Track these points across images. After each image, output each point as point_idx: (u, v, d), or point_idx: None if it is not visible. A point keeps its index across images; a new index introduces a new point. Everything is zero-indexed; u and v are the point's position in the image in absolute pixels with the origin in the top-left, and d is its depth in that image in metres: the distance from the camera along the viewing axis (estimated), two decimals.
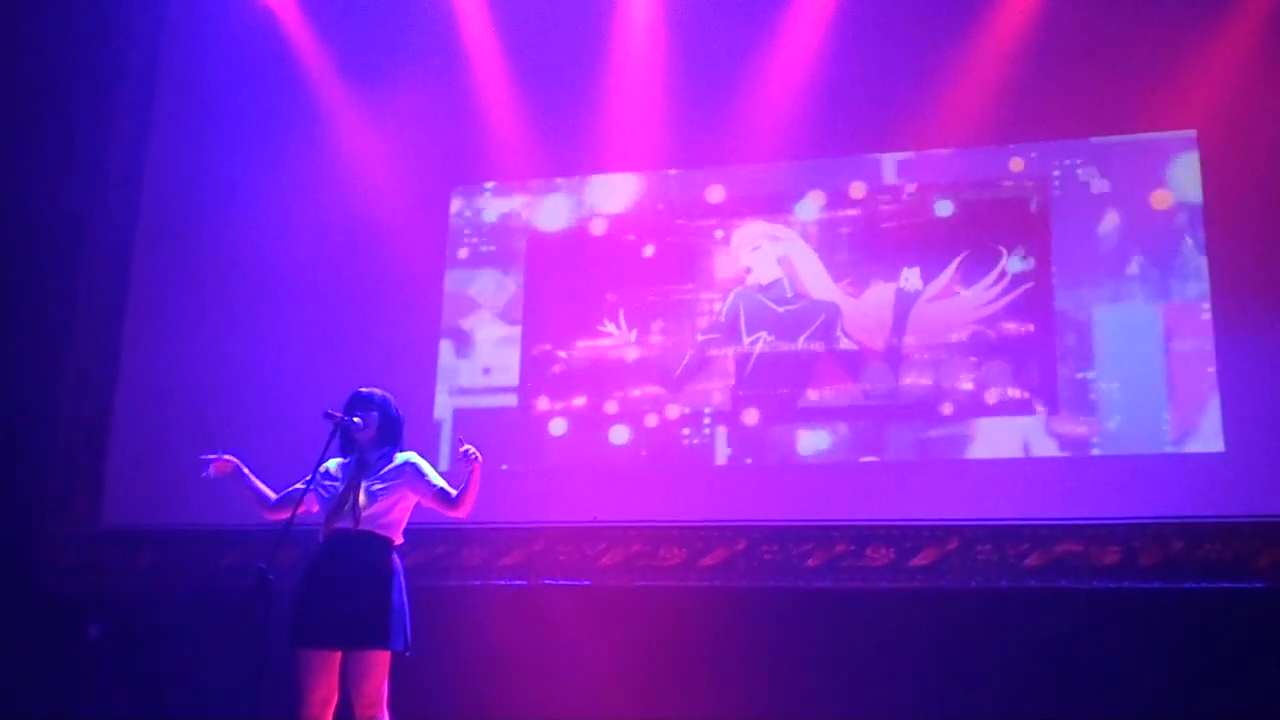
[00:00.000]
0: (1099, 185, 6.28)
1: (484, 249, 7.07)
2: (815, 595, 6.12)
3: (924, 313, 6.36)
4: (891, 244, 6.48)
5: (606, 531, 6.44)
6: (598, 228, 6.95)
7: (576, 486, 6.53)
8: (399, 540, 4.58)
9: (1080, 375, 6.10)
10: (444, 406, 6.86)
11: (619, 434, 6.62)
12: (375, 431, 4.62)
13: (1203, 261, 6.05)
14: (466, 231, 7.13)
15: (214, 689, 6.14)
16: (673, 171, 6.90)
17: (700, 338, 6.66)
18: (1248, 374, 5.87)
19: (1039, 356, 6.17)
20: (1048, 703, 5.74)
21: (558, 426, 6.72)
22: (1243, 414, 5.83)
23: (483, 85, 7.16)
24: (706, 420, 6.54)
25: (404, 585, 4.53)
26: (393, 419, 4.68)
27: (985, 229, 6.36)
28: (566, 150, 7.03)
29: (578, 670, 6.11)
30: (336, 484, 4.58)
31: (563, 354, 6.81)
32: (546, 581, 6.42)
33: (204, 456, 4.62)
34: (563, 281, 6.90)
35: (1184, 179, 6.16)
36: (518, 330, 6.90)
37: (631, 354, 6.72)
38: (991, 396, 6.18)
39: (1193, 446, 5.89)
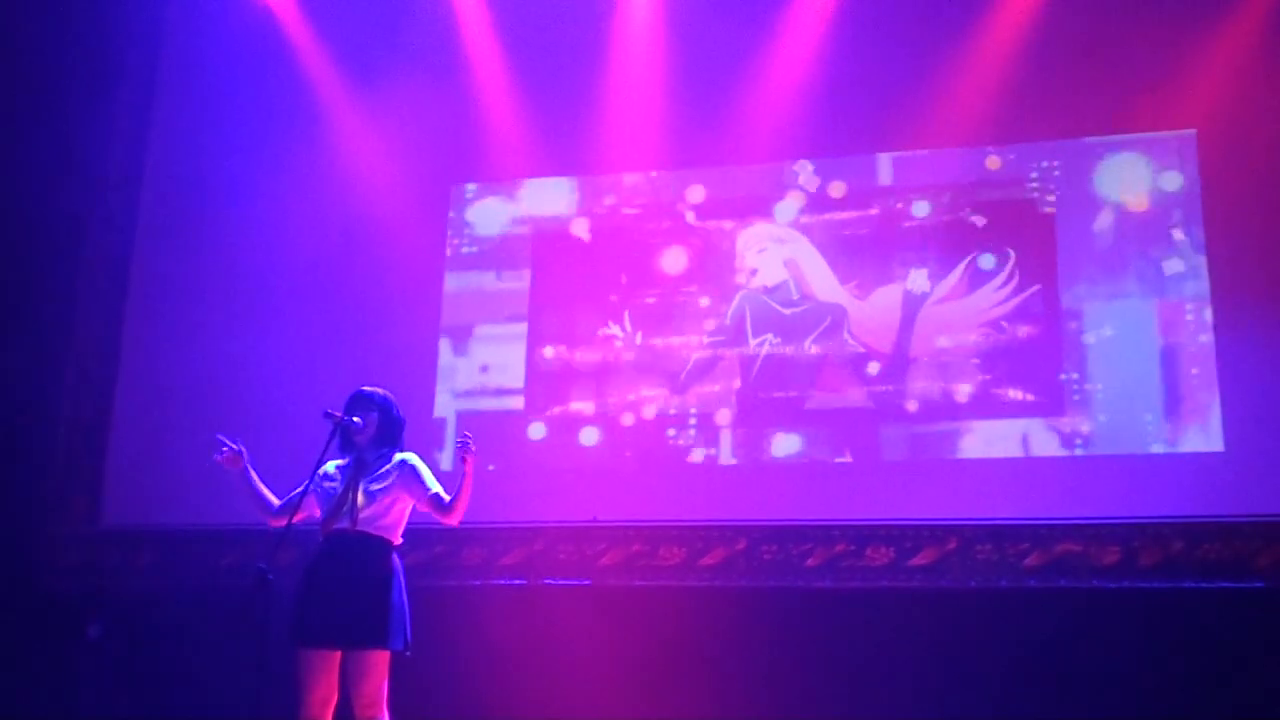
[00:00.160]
0: (1099, 185, 6.28)
1: (484, 249, 7.06)
2: (815, 595, 6.12)
3: (932, 315, 6.35)
4: (898, 246, 6.47)
5: (606, 531, 6.44)
6: (602, 228, 6.94)
7: (579, 487, 6.52)
8: (398, 540, 4.58)
9: (1080, 375, 6.10)
10: (444, 407, 6.86)
11: (623, 436, 6.61)
12: (375, 432, 4.62)
13: (1202, 261, 6.05)
14: (467, 231, 7.12)
15: (214, 689, 6.14)
16: (676, 172, 6.88)
17: (705, 340, 6.64)
18: (1248, 374, 5.88)
19: (1041, 357, 6.16)
20: (1048, 703, 5.74)
21: (560, 428, 6.71)
22: (1243, 414, 5.83)
23: (482, 84, 7.16)
24: (711, 422, 6.51)
25: (403, 585, 4.52)
26: (393, 419, 4.68)
27: (992, 230, 6.35)
28: (568, 150, 7.03)
29: (578, 670, 6.10)
30: (335, 485, 4.59)
31: (567, 355, 6.79)
32: (546, 581, 6.42)
33: (220, 437, 4.63)
34: (567, 282, 6.89)
35: (1184, 179, 6.16)
36: (518, 330, 6.88)
37: (636, 356, 6.70)
38: (995, 397, 6.18)
39: (1192, 446, 5.90)
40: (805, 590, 6.14)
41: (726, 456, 6.48)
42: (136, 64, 7.74)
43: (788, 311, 6.58)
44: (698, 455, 6.51)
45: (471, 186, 7.18)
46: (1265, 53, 6.14)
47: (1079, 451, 6.05)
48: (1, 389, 7.13)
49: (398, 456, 4.63)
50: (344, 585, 4.41)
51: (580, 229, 6.97)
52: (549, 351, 6.82)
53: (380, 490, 4.53)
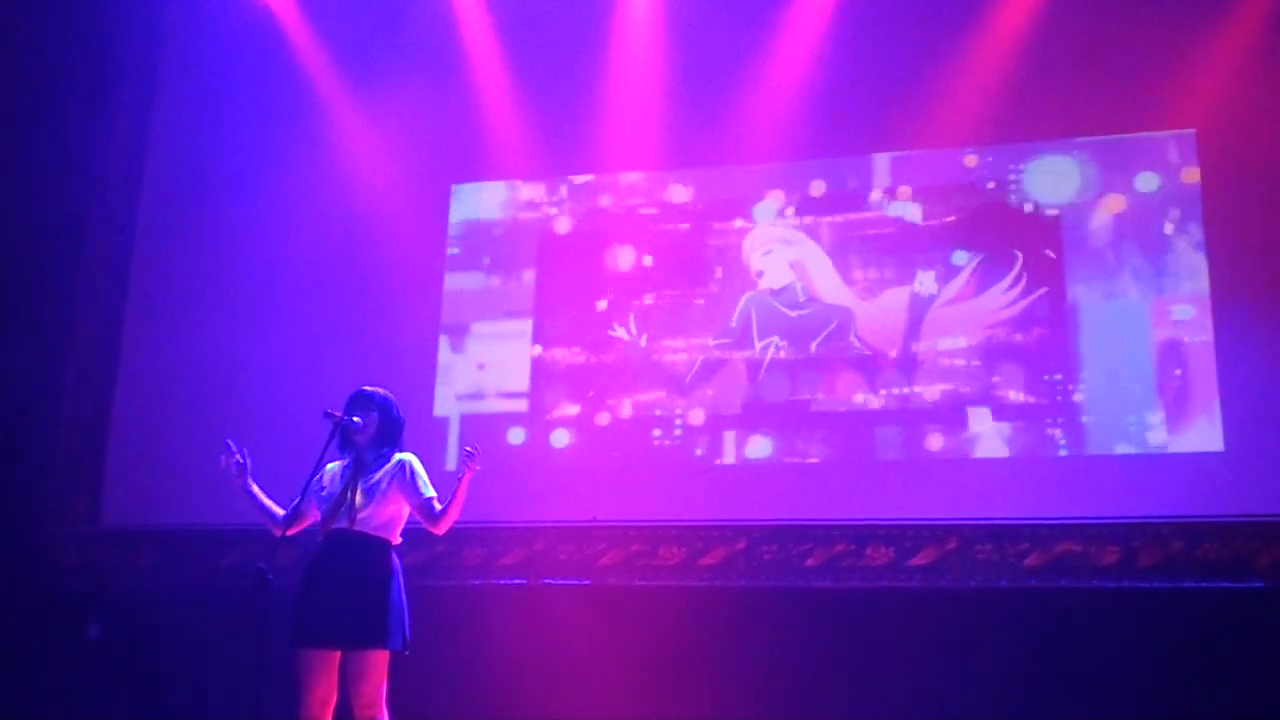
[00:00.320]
0: (1098, 185, 6.28)
1: (486, 248, 7.05)
2: (815, 595, 6.12)
3: (939, 317, 6.34)
4: (905, 248, 6.46)
5: (606, 531, 6.43)
6: (605, 229, 6.92)
7: (582, 488, 6.52)
8: (397, 540, 4.58)
9: (1080, 375, 6.10)
10: (445, 407, 6.85)
11: (627, 438, 6.60)
12: (375, 432, 4.61)
13: (1202, 261, 6.05)
14: (468, 230, 7.12)
15: (214, 689, 6.14)
16: (679, 172, 6.87)
17: (711, 342, 6.63)
18: (1248, 374, 5.88)
19: (1042, 357, 6.16)
20: (1048, 703, 5.74)
21: (564, 429, 6.70)
22: (1243, 414, 5.83)
23: (483, 83, 7.16)
24: (715, 424, 6.50)
25: (402, 585, 4.52)
26: (393, 420, 4.68)
27: (997, 232, 6.34)
28: (571, 149, 7.02)
29: (578, 670, 6.10)
30: (335, 486, 4.58)
31: (570, 357, 6.78)
32: (546, 581, 6.42)
33: (229, 442, 4.62)
34: (571, 283, 6.88)
35: (1183, 179, 6.16)
36: (521, 331, 6.87)
37: (641, 358, 6.69)
38: (997, 398, 6.18)
39: (1193, 446, 5.90)
40: (805, 590, 6.14)
41: (730, 458, 6.47)
42: (136, 64, 7.74)
43: (794, 314, 6.56)
44: (702, 457, 6.50)
45: (472, 186, 7.17)
46: (1265, 53, 6.14)
47: (1079, 451, 6.05)
48: (1, 389, 7.12)
49: (396, 457, 4.62)
50: (343, 585, 4.41)
51: (583, 229, 6.96)
52: (553, 353, 6.81)
53: (378, 490, 4.53)
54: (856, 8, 6.74)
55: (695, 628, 6.16)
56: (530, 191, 7.09)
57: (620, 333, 6.74)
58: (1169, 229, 6.15)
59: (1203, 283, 6.02)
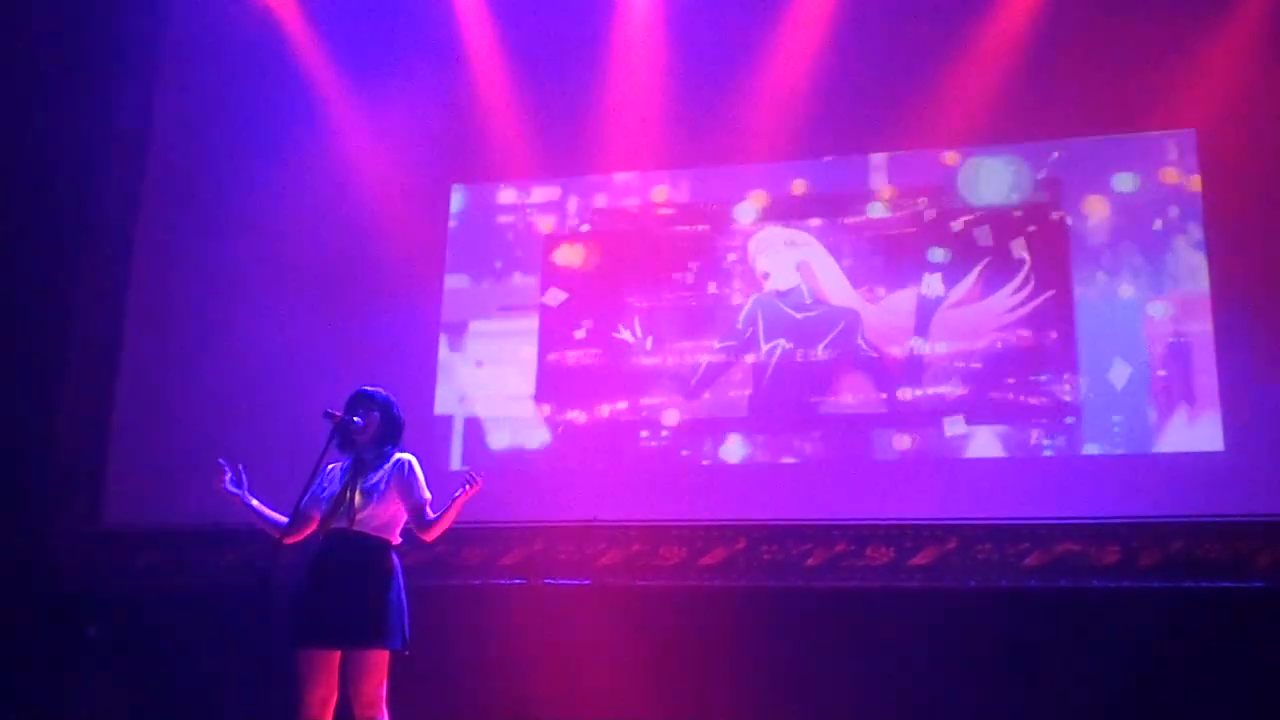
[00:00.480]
0: (1098, 185, 6.28)
1: (488, 248, 7.05)
2: (815, 595, 6.12)
3: (946, 319, 6.34)
4: (912, 249, 6.44)
5: (607, 531, 6.43)
6: (608, 230, 6.92)
7: (583, 489, 6.51)
8: (396, 540, 4.57)
9: (1080, 375, 6.10)
10: (444, 407, 6.85)
11: (632, 440, 6.59)
12: (375, 431, 4.61)
13: (1202, 261, 6.05)
14: (467, 231, 7.12)
15: (214, 689, 6.14)
16: (683, 172, 6.86)
17: (717, 344, 6.61)
18: (1248, 374, 5.88)
19: (1043, 358, 6.16)
20: (1047, 702, 5.74)
21: (565, 430, 6.70)
22: (1243, 414, 5.84)
23: (486, 82, 7.16)
24: (720, 427, 6.49)
25: (402, 584, 4.52)
26: (393, 420, 4.67)
27: (1003, 233, 6.33)
28: (572, 149, 7.00)
29: (578, 670, 6.10)
30: (335, 485, 4.58)
31: (575, 358, 6.77)
32: (547, 581, 6.42)
33: (220, 461, 4.60)
34: (575, 284, 6.87)
35: (1184, 178, 6.17)
36: (520, 330, 6.86)
37: (648, 360, 6.67)
38: (1000, 399, 6.17)
39: (1192, 446, 5.89)
40: (805, 590, 6.14)
41: (734, 460, 6.46)
42: (136, 64, 7.73)
43: (800, 316, 6.55)
44: (705, 459, 6.49)
45: (473, 186, 7.17)
46: (1265, 53, 6.14)
47: (1079, 451, 6.05)
48: (1, 389, 7.12)
49: (396, 457, 4.62)
50: (343, 585, 4.41)
51: (586, 230, 6.96)
52: (556, 354, 6.80)
53: (378, 490, 4.52)
54: (866, 8, 6.71)
55: (695, 628, 6.16)
56: (531, 191, 7.08)
57: (625, 335, 6.73)
58: (1168, 229, 6.15)
59: (1203, 282, 6.02)
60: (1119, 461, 5.99)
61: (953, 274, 6.37)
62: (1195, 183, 6.14)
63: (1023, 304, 6.24)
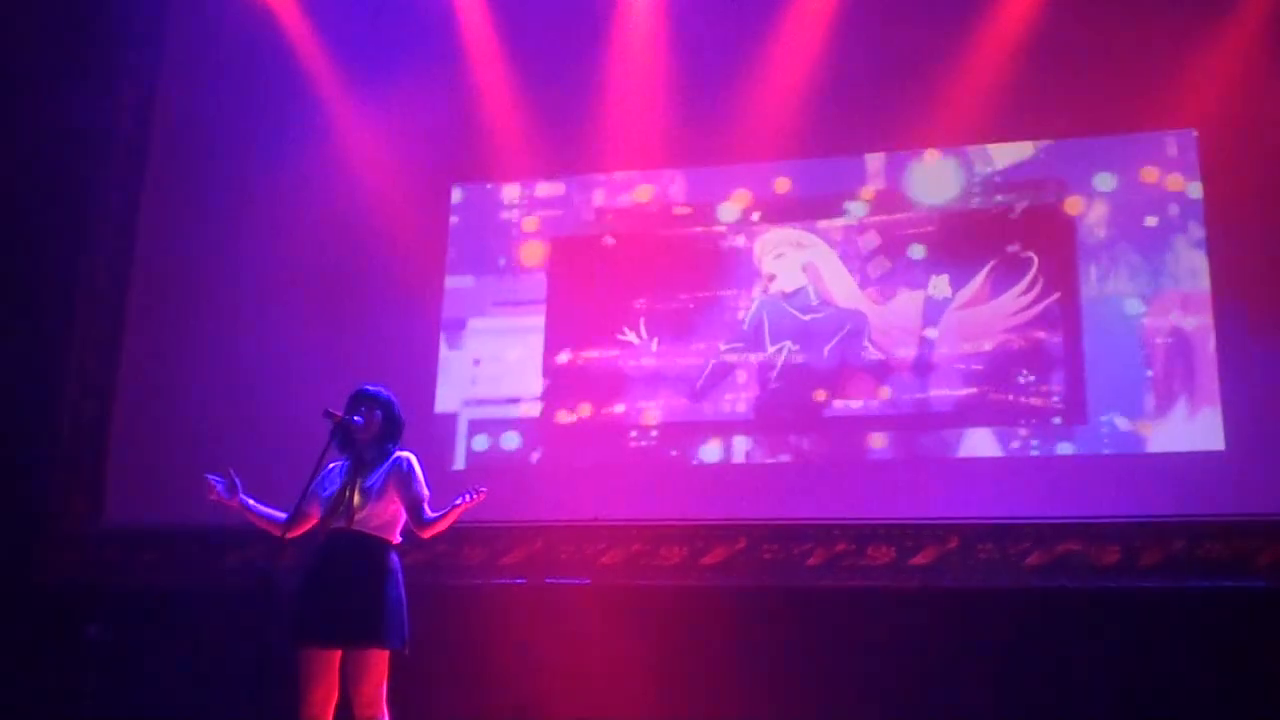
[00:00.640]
0: (1097, 185, 6.28)
1: (489, 248, 7.04)
2: (815, 594, 6.12)
3: (953, 320, 6.33)
4: (918, 250, 6.43)
5: (607, 531, 6.43)
6: (613, 230, 6.90)
7: (584, 489, 6.50)
8: (396, 539, 4.57)
9: (1082, 374, 6.10)
10: (445, 407, 6.83)
11: (633, 440, 6.58)
12: (376, 431, 4.61)
13: (1203, 260, 6.05)
14: (468, 230, 7.11)
15: (214, 689, 6.14)
16: (687, 173, 6.85)
17: (723, 346, 6.59)
18: (1248, 374, 5.88)
19: (1047, 358, 6.15)
20: (1048, 702, 5.74)
21: (565, 430, 6.69)
22: (1243, 413, 5.83)
23: (483, 83, 7.15)
24: (727, 428, 6.47)
25: (402, 584, 4.51)
26: (394, 419, 4.67)
27: (1008, 233, 6.32)
28: (573, 149, 6.99)
29: (578, 669, 6.10)
30: (335, 485, 4.58)
31: (579, 359, 6.76)
32: (547, 581, 6.42)
33: (207, 476, 4.57)
34: (579, 285, 6.85)
35: (1184, 179, 6.17)
36: (521, 330, 6.85)
37: (652, 362, 6.65)
38: (1002, 399, 6.16)
39: (1193, 446, 5.89)
40: (805, 590, 6.14)
41: (737, 459, 6.45)
42: (136, 65, 7.74)
43: (806, 317, 6.53)
44: (709, 459, 6.48)
45: (473, 185, 7.16)
46: (1265, 53, 6.14)
47: (1079, 450, 6.05)
48: (1, 389, 7.12)
49: (396, 455, 4.62)
50: (342, 584, 4.40)
51: (593, 230, 6.94)
52: (559, 355, 6.78)
53: (377, 490, 4.52)
54: (867, 6, 6.70)
55: (696, 627, 6.15)
56: (532, 191, 7.07)
57: (630, 336, 6.72)
58: (1169, 229, 6.14)
59: (1204, 281, 6.02)
60: (1119, 461, 5.99)
61: (960, 276, 6.36)
62: (1196, 183, 6.13)
63: (1030, 305, 6.23)
